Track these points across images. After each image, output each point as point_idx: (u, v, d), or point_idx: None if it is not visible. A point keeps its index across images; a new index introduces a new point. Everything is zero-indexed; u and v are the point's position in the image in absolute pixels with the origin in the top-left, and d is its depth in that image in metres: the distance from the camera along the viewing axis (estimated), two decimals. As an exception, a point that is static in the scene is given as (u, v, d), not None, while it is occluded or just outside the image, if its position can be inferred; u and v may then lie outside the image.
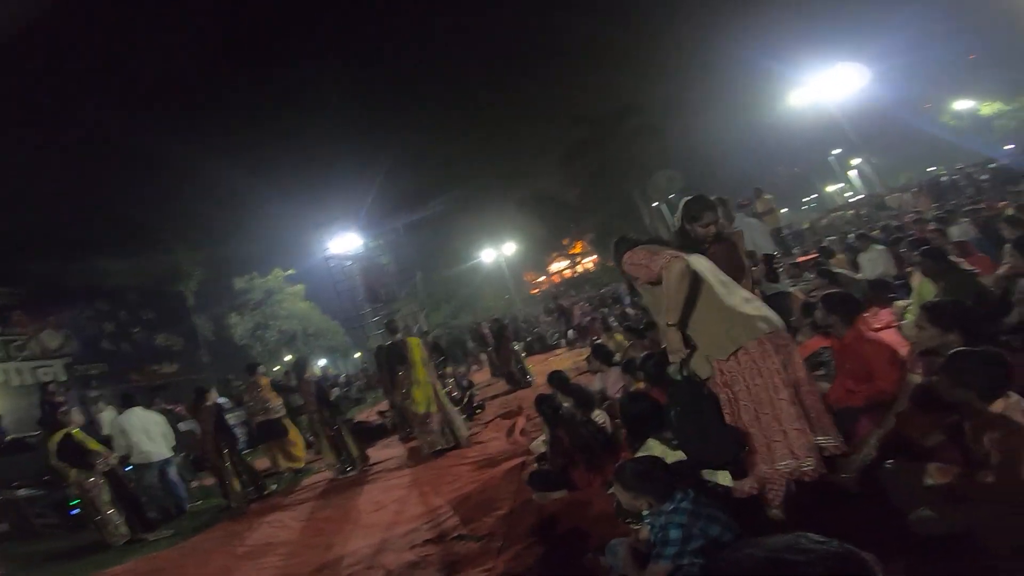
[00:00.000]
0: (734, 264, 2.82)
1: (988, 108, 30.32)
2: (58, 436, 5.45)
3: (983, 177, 14.52)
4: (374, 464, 6.59)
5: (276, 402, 7.27)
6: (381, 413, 9.20)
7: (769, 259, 6.51)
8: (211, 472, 6.62)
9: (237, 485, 6.13)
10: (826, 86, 20.95)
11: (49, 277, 19.87)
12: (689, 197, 2.94)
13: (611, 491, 3.44)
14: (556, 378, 4.65)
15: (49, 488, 6.61)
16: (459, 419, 6.49)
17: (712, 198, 2.92)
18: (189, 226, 26.80)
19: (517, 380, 9.56)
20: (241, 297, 29.15)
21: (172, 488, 6.43)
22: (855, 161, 33.17)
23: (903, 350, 2.88)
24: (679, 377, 2.48)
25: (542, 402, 4.25)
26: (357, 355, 31.16)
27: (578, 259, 44.43)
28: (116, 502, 5.40)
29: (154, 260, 24.75)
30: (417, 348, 6.45)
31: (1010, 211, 6.51)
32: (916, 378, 2.41)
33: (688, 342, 2.43)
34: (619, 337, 8.04)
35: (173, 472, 6.55)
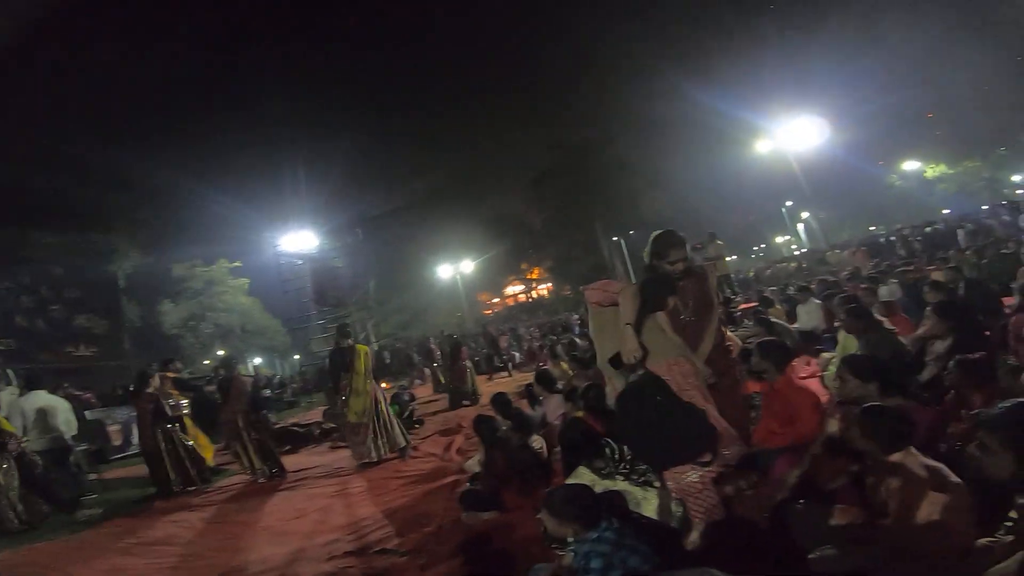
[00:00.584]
0: (703, 298, 2.98)
1: (932, 171, 32.48)
2: None
3: (917, 239, 15.74)
4: (301, 470, 6.33)
5: (179, 399, 6.87)
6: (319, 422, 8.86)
7: (727, 302, 6.80)
8: (147, 461, 6.14)
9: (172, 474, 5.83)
10: (788, 137, 22.02)
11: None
12: (658, 233, 3.06)
13: (540, 516, 3.47)
14: (499, 400, 4.66)
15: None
16: (398, 430, 6.35)
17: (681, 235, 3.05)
18: (132, 205, 25.38)
19: (467, 397, 9.50)
20: (179, 285, 27.65)
21: (68, 478, 5.95)
22: (804, 214, 35.19)
23: (824, 398, 3.07)
24: (634, 376, 2.82)
25: (481, 423, 4.24)
26: (296, 357, 30.07)
27: (534, 284, 44.89)
28: (22, 487, 4.99)
29: (88, 237, 23.21)
30: (364, 357, 6.31)
31: (936, 276, 7.08)
32: (834, 424, 2.56)
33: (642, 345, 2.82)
34: (564, 365, 8.13)
35: (71, 461, 6.08)
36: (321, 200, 25.12)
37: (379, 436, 6.10)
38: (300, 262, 21.80)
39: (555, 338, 15.11)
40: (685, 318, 2.98)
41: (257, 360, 29.63)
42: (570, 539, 2.30)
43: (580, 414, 4.25)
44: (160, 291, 27.24)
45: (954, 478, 1.94)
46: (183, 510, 5.14)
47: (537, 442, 4.03)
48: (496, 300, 46.03)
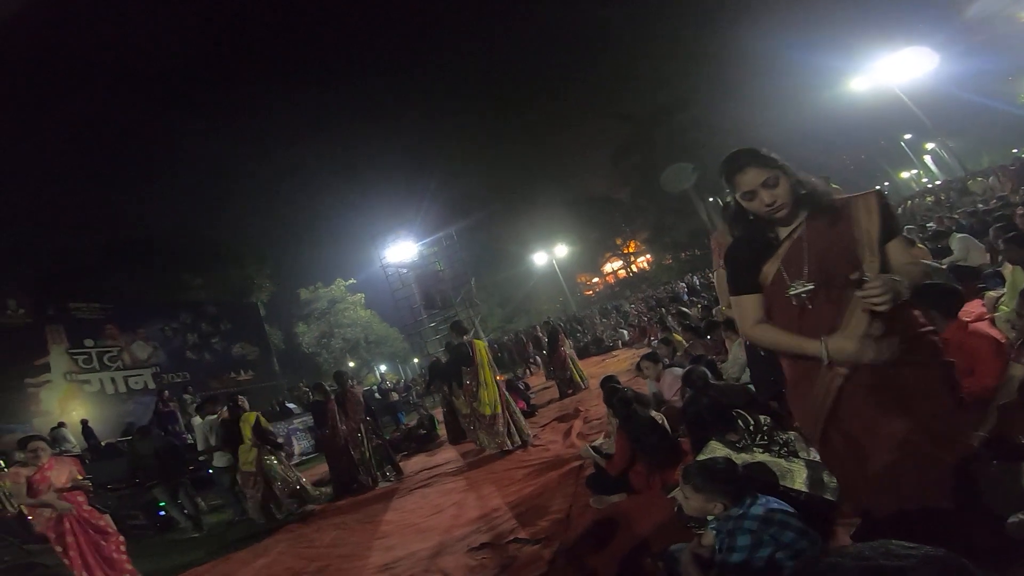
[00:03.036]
0: (841, 251, 1.71)
1: None
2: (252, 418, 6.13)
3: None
4: (431, 468, 6.68)
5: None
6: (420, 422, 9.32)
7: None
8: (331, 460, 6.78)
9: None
10: (890, 71, 19.80)
11: (136, 292, 21.72)
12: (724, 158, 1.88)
13: (672, 495, 3.30)
14: (608, 382, 4.53)
15: (136, 490, 7.12)
16: (523, 420, 6.50)
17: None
18: (258, 242, 28.60)
19: (571, 384, 9.41)
20: (307, 307, 30.60)
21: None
22: (929, 145, 30.73)
23: (1003, 341, 2.59)
24: None
25: (613, 394, 4.12)
26: (416, 360, 31.91)
27: (632, 258, 43.68)
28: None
29: (228, 274, 26.52)
30: (483, 350, 6.49)
31: None
32: (1019, 370, 2.14)
33: None
34: (678, 337, 7.76)
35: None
36: (417, 208, 26.42)
37: (510, 425, 6.24)
38: (405, 271, 23.02)
39: (663, 310, 14.57)
40: (801, 291, 1.71)
41: (383, 367, 31.88)
42: (711, 517, 2.15)
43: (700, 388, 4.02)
44: (293, 315, 30.36)
45: None
46: (339, 514, 5.61)
47: (659, 418, 3.86)
48: (596, 280, 45.45)
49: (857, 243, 1.72)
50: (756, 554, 1.95)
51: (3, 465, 4.21)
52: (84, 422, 12.14)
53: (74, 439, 11.29)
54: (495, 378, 6.39)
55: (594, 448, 4.17)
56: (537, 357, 14.16)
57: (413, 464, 7.45)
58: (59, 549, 3.65)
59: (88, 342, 16.03)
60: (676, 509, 2.85)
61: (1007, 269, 4.04)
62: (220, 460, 6.55)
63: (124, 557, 4.13)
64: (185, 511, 6.76)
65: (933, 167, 31.47)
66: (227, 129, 29.76)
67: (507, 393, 6.56)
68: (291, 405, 14.00)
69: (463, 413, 6.57)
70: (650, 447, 3.50)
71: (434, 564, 3.43)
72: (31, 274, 20.33)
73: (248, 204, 26.60)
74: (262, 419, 6.30)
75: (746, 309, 1.87)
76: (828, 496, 2.46)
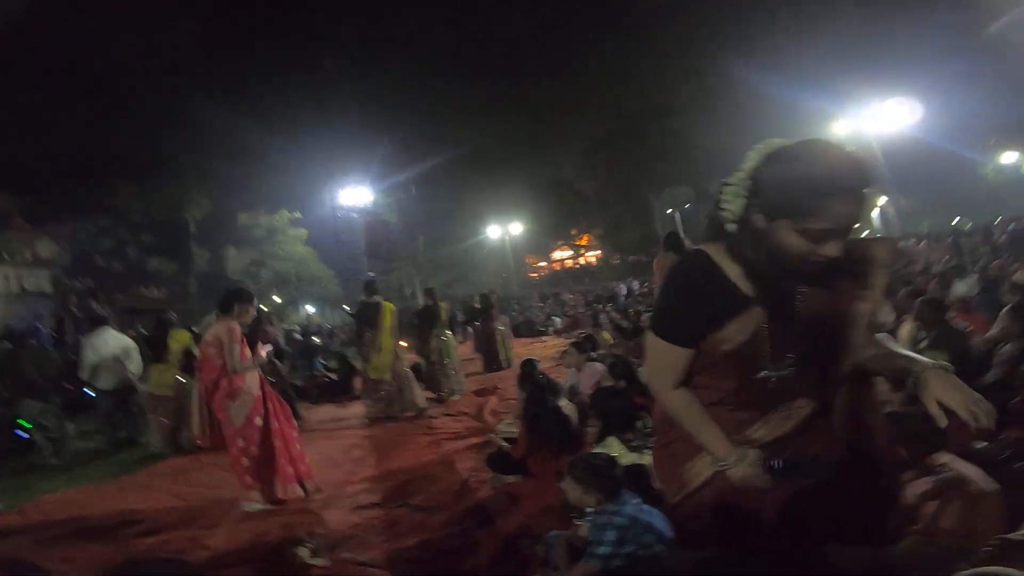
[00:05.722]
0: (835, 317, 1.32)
1: None
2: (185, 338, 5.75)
3: (1003, 235, 14.30)
4: (339, 420, 6.59)
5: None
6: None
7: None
8: None
9: None
10: (872, 119, 20.20)
11: (58, 189, 19.79)
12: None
13: (563, 484, 3.43)
14: (527, 365, 4.60)
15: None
16: (418, 391, 6.48)
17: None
18: (204, 156, 26.58)
19: (495, 360, 9.42)
20: (243, 232, 29.03)
21: (131, 419, 6.21)
22: (881, 200, 32.61)
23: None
24: None
25: (527, 378, 4.18)
26: (346, 308, 31.16)
27: (582, 251, 44.38)
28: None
29: (165, 186, 24.58)
30: (389, 314, 6.42)
31: (1019, 276, 6.42)
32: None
33: None
34: (606, 335, 7.99)
35: (134, 402, 6.22)
36: (378, 157, 25.49)
37: (403, 392, 6.24)
38: (356, 216, 22.34)
39: (599, 306, 14.94)
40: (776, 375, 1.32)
41: (310, 309, 30.96)
42: (589, 509, 2.25)
43: (618, 384, 4.17)
44: (226, 238, 28.73)
45: None
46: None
47: (567, 408, 3.97)
48: (543, 264, 45.90)
49: (858, 303, 1.27)
50: (619, 551, 2.05)
51: None
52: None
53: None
54: (395, 344, 6.37)
55: (502, 433, 4.27)
56: (468, 328, 14.16)
57: (320, 413, 7.32)
58: None
59: (-10, 230, 14.57)
60: (564, 499, 2.96)
61: (904, 327, 4.38)
62: (106, 381, 6.02)
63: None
64: (49, 434, 5.90)
65: (878, 223, 33.52)
66: (187, 40, 27.26)
67: (404, 363, 6.54)
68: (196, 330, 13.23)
69: (365, 375, 6.55)
70: (550, 435, 3.59)
71: (316, 517, 3.40)
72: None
73: (203, 120, 24.57)
74: (194, 343, 5.71)
75: (669, 363, 1.35)
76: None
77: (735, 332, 1.24)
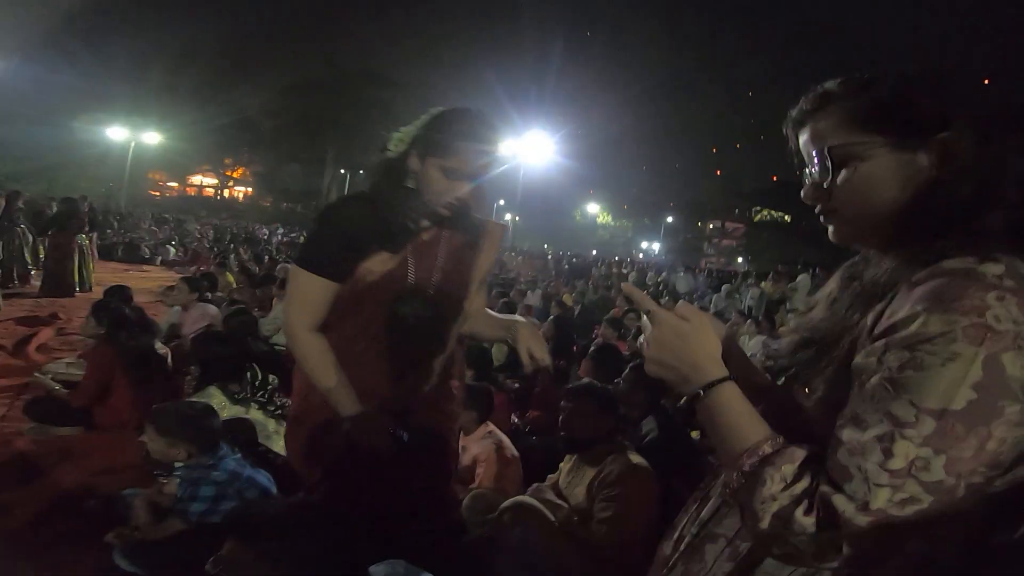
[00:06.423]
0: (462, 272, 1.55)
1: (603, 218, 47.75)
2: None
3: (568, 264, 19.99)
4: None
5: None
6: None
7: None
8: None
9: None
10: (516, 151, 21.14)
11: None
12: None
13: (144, 437, 2.93)
14: (116, 291, 3.79)
15: None
16: None
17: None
18: None
19: (63, 282, 7.27)
20: None
21: None
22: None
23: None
24: None
25: (110, 310, 3.33)
26: None
27: (231, 183, 39.34)
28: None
29: None
30: None
31: (566, 296, 9.19)
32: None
33: None
34: (231, 277, 7.24)
35: None
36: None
37: None
38: None
39: (233, 245, 13.26)
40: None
41: None
42: (179, 464, 2.04)
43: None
44: None
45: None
46: None
47: (162, 351, 3.44)
48: (174, 184, 38.41)
49: (475, 271, 1.49)
50: (218, 507, 1.95)
51: None
52: None
53: None
54: None
55: (58, 375, 3.37)
56: (31, 237, 10.51)
57: None
58: None
59: None
60: (145, 453, 2.56)
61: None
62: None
63: None
64: None
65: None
66: None
67: None
68: None
69: None
70: (135, 381, 3.04)
71: None
72: None
73: None
74: None
75: (309, 298, 1.35)
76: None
77: (383, 260, 1.34)
